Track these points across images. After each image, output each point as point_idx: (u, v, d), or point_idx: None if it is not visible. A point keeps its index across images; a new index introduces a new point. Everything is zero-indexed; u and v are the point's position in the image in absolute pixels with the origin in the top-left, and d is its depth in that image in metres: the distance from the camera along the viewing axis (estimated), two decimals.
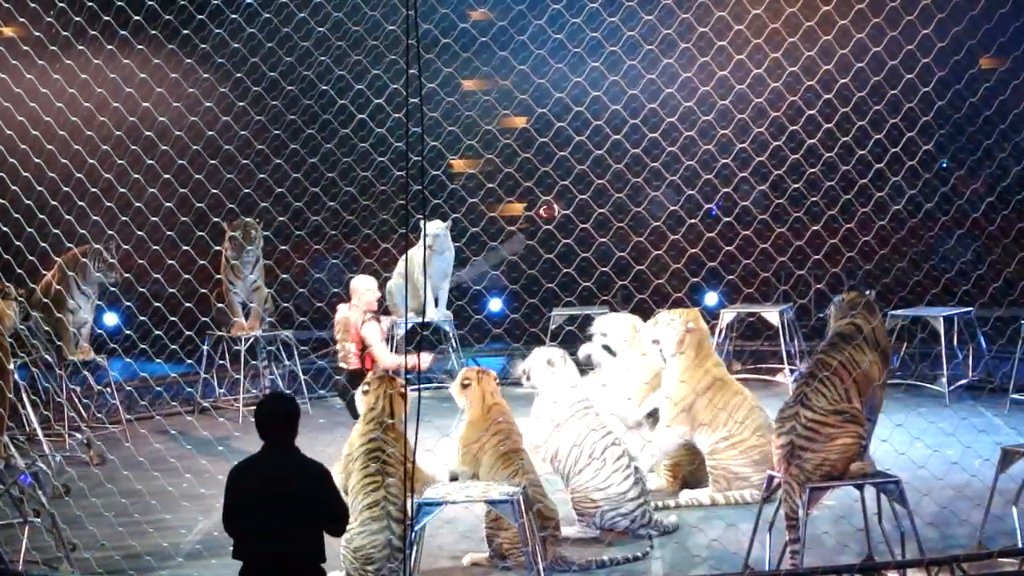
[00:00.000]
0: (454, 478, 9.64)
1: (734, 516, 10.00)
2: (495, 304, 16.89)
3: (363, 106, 11.55)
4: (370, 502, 8.84)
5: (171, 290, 10.14)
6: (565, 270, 10.26)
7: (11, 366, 10.82)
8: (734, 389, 11.05)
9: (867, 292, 9.41)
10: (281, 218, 10.93)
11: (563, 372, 10.49)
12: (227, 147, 11.08)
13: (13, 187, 10.16)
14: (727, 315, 14.95)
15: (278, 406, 7.22)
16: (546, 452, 10.32)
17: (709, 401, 10.84)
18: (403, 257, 14.60)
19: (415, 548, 8.66)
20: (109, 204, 10.23)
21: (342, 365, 12.22)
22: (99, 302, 13.92)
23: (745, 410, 10.83)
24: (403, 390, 9.19)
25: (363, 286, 12.10)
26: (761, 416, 10.79)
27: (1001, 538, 9.21)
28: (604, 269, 10.29)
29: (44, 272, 13.11)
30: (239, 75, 11.89)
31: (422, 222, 12.54)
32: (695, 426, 10.81)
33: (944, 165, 11.11)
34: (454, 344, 15.55)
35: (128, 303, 10.28)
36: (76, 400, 13.08)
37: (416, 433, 8.03)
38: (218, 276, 14.53)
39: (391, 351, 15.19)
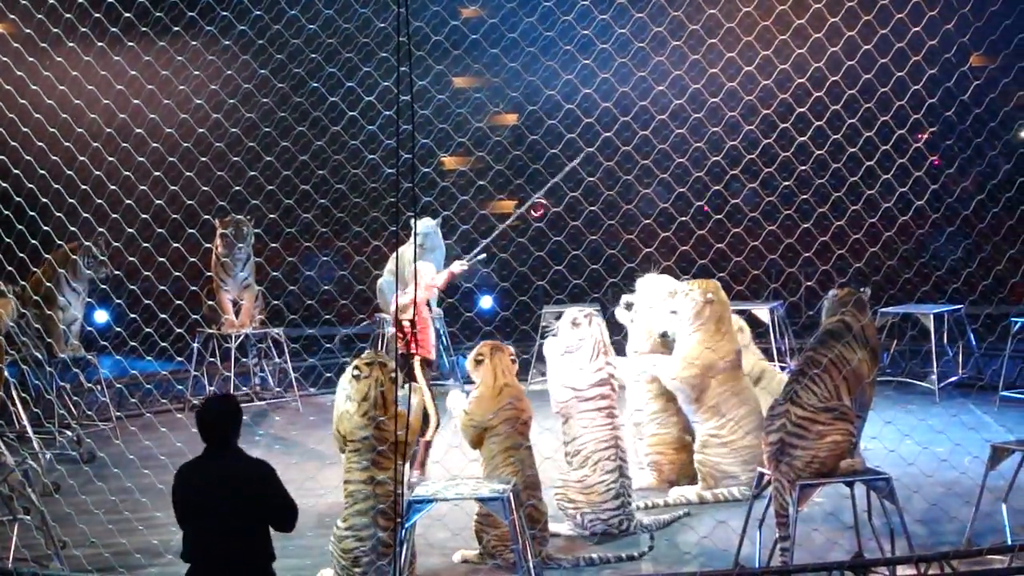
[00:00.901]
0: None
1: (724, 513, 10.01)
2: (486, 302, 16.89)
3: (354, 103, 11.53)
4: (362, 508, 8.83)
5: (161, 287, 10.13)
6: (556, 268, 10.26)
7: (2, 364, 10.81)
8: (743, 384, 10.96)
9: (862, 289, 9.39)
10: (272, 215, 10.93)
11: (587, 331, 10.33)
12: (217, 144, 11.07)
13: (3, 184, 10.14)
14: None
15: (219, 407, 7.23)
16: (562, 410, 10.31)
17: (719, 384, 10.77)
18: (394, 255, 14.59)
19: (405, 545, 8.65)
20: (100, 201, 10.22)
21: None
22: (89, 299, 13.91)
23: (744, 410, 10.78)
24: (393, 375, 9.09)
25: (421, 270, 11.89)
26: (758, 420, 10.71)
27: (990, 535, 9.22)
28: (595, 267, 10.29)
29: (34, 269, 13.10)
30: (229, 72, 11.87)
31: (412, 220, 12.53)
32: (702, 397, 10.75)
33: (935, 163, 11.13)
34: (445, 342, 15.55)
35: (118, 300, 10.26)
36: (66, 397, 13.07)
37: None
38: (209, 274, 14.52)
39: (380, 348, 15.23)
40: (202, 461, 7.17)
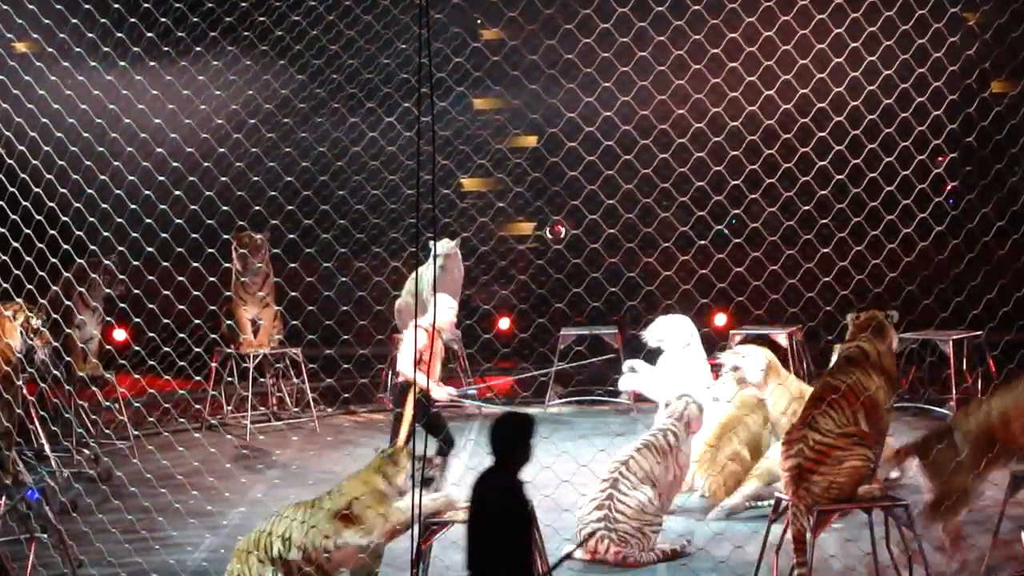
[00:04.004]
0: None
1: (741, 538, 9.98)
2: (504, 323, 16.88)
3: (374, 124, 11.55)
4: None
5: (180, 306, 10.14)
6: (574, 290, 10.25)
7: (20, 382, 10.83)
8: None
9: (888, 314, 9.34)
10: (291, 235, 10.95)
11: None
12: (238, 164, 11.09)
13: (24, 202, 10.17)
14: (736, 337, 14.97)
15: (504, 425, 7.21)
16: None
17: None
18: (412, 275, 14.60)
19: (421, 567, 8.64)
20: (120, 220, 10.25)
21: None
22: (108, 318, 13.92)
23: None
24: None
25: (440, 304, 11.84)
26: None
27: (1009, 563, 9.19)
28: (613, 289, 10.28)
29: (53, 287, 13.14)
30: (250, 92, 11.91)
31: (431, 241, 12.54)
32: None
33: (955, 188, 11.13)
34: (463, 363, 15.55)
35: (137, 319, 10.29)
36: (84, 416, 13.08)
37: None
38: (228, 293, 14.54)
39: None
40: (484, 473, 7.16)
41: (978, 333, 14.07)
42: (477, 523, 7.01)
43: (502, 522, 6.93)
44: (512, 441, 7.09)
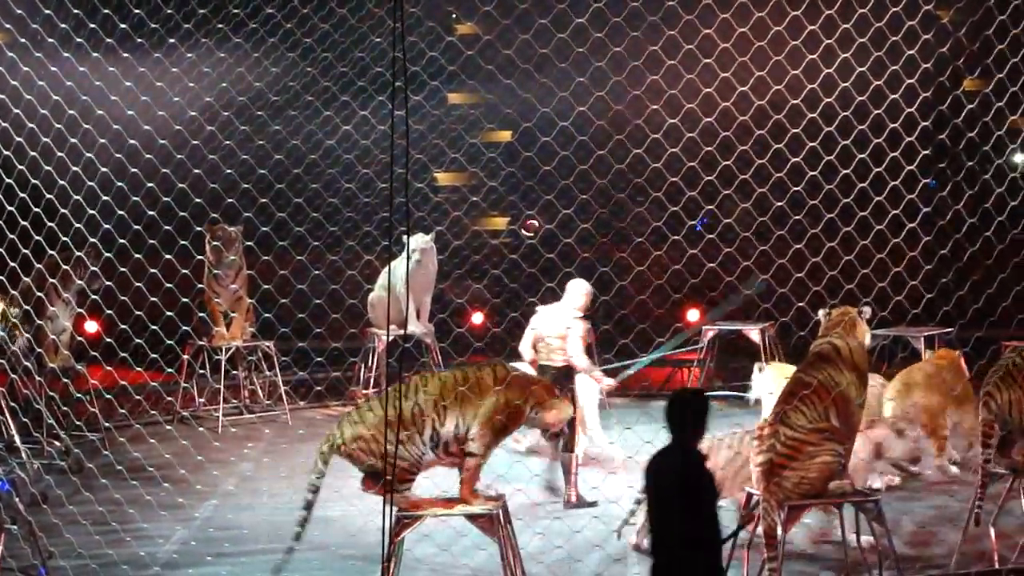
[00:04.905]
0: None
1: None
2: (477, 318, 16.87)
3: (348, 118, 11.54)
4: None
5: (153, 299, 10.11)
6: (547, 285, 10.26)
7: None
8: None
9: (860, 310, 9.36)
10: (264, 228, 10.93)
11: None
12: (211, 156, 11.06)
13: None
14: (709, 332, 15.00)
15: (679, 400, 7.14)
16: None
17: None
18: (385, 269, 14.58)
19: (393, 561, 8.64)
20: (92, 212, 10.21)
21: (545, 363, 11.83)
22: (80, 310, 13.88)
23: None
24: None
25: (576, 288, 11.86)
26: None
27: (978, 559, 9.23)
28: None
29: (24, 278, 13.08)
30: (224, 84, 11.88)
31: (405, 235, 12.53)
32: None
33: (933, 185, 11.17)
34: (436, 358, 15.53)
35: (109, 311, 10.26)
36: (55, 407, 13.03)
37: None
38: (200, 285, 14.50)
39: (371, 363, 15.21)
40: (663, 450, 7.09)
41: (949, 330, 14.12)
42: (661, 500, 6.99)
43: (690, 496, 6.94)
44: (689, 417, 7.09)
